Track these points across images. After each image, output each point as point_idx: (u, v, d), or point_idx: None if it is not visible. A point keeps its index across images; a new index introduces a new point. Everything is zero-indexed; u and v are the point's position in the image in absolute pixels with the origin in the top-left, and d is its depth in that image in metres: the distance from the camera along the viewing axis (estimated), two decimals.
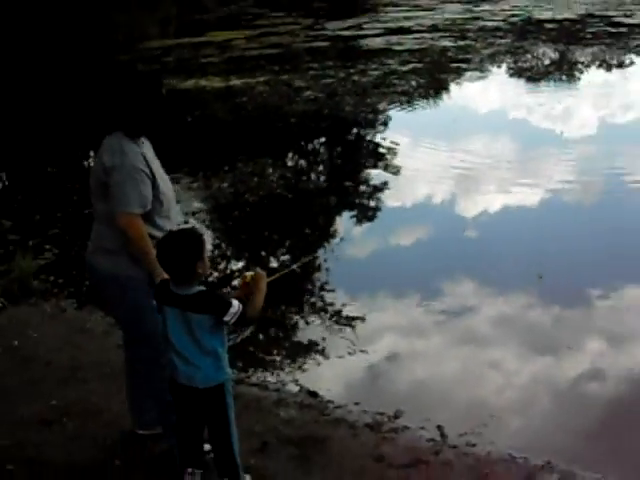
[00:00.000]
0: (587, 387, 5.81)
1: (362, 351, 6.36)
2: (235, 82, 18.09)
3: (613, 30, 25.22)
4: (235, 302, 3.74)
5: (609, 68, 20.10)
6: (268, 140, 13.55)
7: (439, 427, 5.06)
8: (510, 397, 5.72)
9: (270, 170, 11.59)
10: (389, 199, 10.45)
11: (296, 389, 5.73)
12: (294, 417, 5.14)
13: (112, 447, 4.73)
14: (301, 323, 7.05)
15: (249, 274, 3.98)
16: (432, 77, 18.94)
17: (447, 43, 23.51)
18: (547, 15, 30.23)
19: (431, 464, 4.60)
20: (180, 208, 9.87)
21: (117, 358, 5.16)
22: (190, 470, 4.01)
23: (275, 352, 6.53)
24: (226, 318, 3.72)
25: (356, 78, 18.35)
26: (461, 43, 23.54)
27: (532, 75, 19.93)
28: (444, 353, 6.43)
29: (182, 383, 3.86)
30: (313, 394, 5.56)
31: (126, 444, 4.68)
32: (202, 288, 3.81)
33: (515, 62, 21.34)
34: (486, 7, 34.16)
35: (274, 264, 8.25)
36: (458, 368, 6.15)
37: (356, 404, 5.41)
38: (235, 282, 7.53)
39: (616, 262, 7.95)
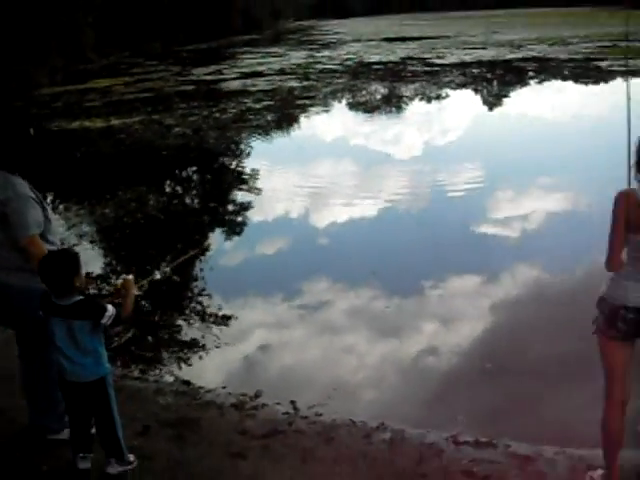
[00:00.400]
0: (424, 362, 5.91)
1: (231, 344, 6.33)
2: (115, 122, 17.83)
3: (428, 69, 26.12)
4: (109, 306, 3.76)
5: (429, 100, 20.76)
6: (144, 171, 13.37)
7: (292, 402, 5.08)
8: (356, 374, 5.78)
9: (146, 196, 11.38)
10: (253, 215, 10.42)
11: (172, 379, 5.69)
12: (170, 403, 5.11)
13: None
14: (179, 323, 6.91)
15: (120, 281, 3.98)
16: (282, 112, 19.10)
17: (294, 84, 23.78)
18: (375, 58, 31.01)
19: (286, 433, 4.65)
20: (71, 231, 9.63)
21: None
22: (82, 455, 3.96)
23: (155, 350, 6.42)
24: (103, 320, 3.72)
25: (218, 115, 18.32)
26: (305, 83, 23.86)
27: (367, 108, 20.37)
28: (303, 342, 6.43)
29: (69, 380, 3.85)
30: (186, 382, 5.53)
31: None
32: (80, 297, 3.79)
33: (352, 97, 21.75)
34: (325, 53, 34.78)
35: (149, 273, 8.04)
36: (314, 353, 6.19)
37: (223, 388, 5.39)
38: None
39: (441, 258, 8.17)
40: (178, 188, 12.77)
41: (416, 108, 19.89)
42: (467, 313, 6.79)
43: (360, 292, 7.39)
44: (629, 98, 4.62)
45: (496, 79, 24.85)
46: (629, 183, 3.60)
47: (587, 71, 24.54)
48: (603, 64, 25.52)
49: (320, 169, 13.07)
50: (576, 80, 23.70)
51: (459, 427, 4.69)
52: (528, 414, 4.92)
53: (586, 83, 22.54)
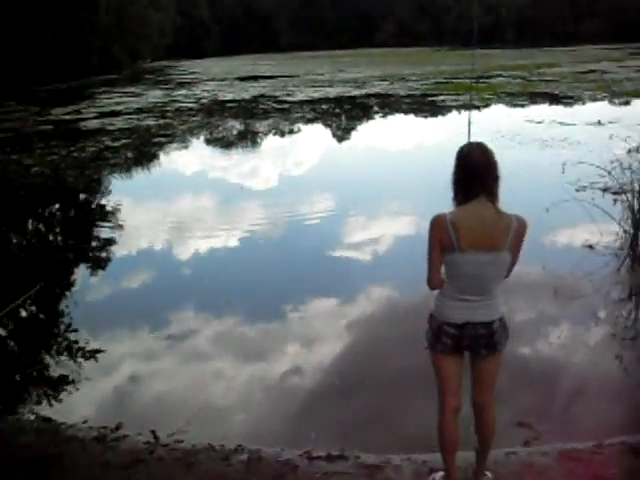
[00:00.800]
0: (284, 382, 5.98)
1: (96, 378, 6.16)
2: None
3: (279, 106, 26.46)
4: None
5: (282, 134, 21.06)
6: (3, 210, 12.77)
7: (153, 431, 5.01)
8: (219, 399, 5.75)
9: (8, 235, 10.90)
10: (116, 250, 10.16)
11: (33, 417, 5.46)
12: (32, 441, 4.92)
13: None
14: (43, 360, 6.65)
15: None
16: (139, 150, 18.84)
17: (151, 122, 23.50)
18: (229, 97, 31.12)
19: (147, 462, 4.61)
20: None
21: None
22: None
23: (16, 388, 6.18)
24: None
25: (76, 154, 17.85)
26: (162, 121, 23.62)
27: (223, 143, 20.40)
28: (168, 371, 6.33)
29: None
30: (48, 419, 5.34)
31: None
32: None
33: (210, 134, 21.72)
34: (182, 92, 34.58)
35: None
36: (179, 381, 6.10)
37: (84, 422, 5.23)
38: None
39: (300, 282, 8.37)
40: (40, 226, 12.31)
41: (270, 142, 20.12)
42: (326, 333, 6.93)
43: (225, 319, 7.39)
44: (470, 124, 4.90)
45: (344, 114, 25.49)
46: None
47: (424, 105, 25.67)
48: (438, 99, 26.78)
49: (181, 203, 12.99)
50: (415, 114, 24.70)
51: (312, 443, 4.80)
52: (377, 426, 5.10)
53: (425, 116, 23.56)
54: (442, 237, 3.65)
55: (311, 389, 5.82)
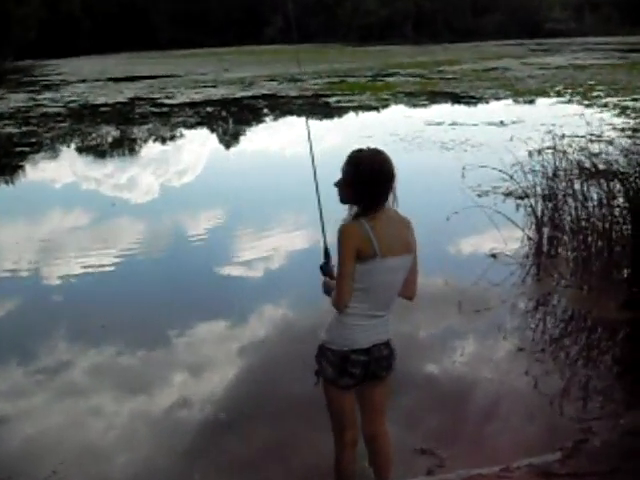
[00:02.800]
0: (175, 415, 5.93)
1: None
2: None
3: (158, 110, 26.20)
4: None
5: (163, 141, 20.89)
6: None
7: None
8: (98, 436, 5.66)
9: None
10: None
11: None
12: None
13: None
14: None
15: None
16: None
17: (12, 129, 22.83)
18: (101, 100, 30.61)
19: None
20: None
21: None
22: None
23: None
24: None
25: None
26: (25, 129, 22.98)
27: (97, 152, 20.04)
28: (40, 409, 6.17)
29: None
30: None
31: None
32: None
33: (81, 141, 21.31)
34: (48, 95, 33.77)
35: None
36: (51, 419, 5.97)
37: None
38: None
39: (186, 304, 8.30)
40: None
41: (149, 150, 19.96)
42: (216, 360, 6.93)
43: (103, 348, 7.26)
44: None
45: (230, 117, 25.58)
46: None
47: (317, 107, 25.97)
48: (332, 100, 27.18)
49: (49, 220, 12.68)
50: (309, 116, 24.88)
51: None
52: (271, 459, 5.14)
53: (320, 118, 23.87)
54: (361, 245, 3.69)
55: (200, 422, 5.78)
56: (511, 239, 9.57)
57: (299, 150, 18.57)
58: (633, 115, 20.56)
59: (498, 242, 9.51)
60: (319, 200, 4.38)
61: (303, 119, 24.31)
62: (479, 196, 11.65)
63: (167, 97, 30.61)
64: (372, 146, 3.93)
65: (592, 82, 30.40)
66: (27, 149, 19.55)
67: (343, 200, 3.88)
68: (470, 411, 5.71)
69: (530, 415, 5.64)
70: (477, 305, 7.78)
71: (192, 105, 27.69)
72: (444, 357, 6.75)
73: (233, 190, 14.41)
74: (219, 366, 6.78)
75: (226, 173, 16.94)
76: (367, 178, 3.74)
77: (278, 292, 8.62)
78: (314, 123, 23.22)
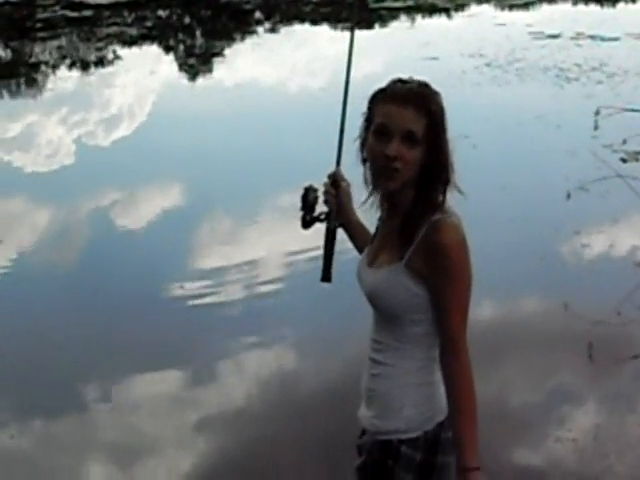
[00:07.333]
0: None
1: None
2: None
3: (75, 14, 26.08)
4: None
5: (84, 67, 20.80)
6: None
7: None
8: None
9: None
10: None
11: None
12: None
13: None
14: None
15: None
16: None
17: None
18: None
19: None
20: None
21: None
22: None
23: None
24: None
25: None
26: None
27: None
28: None
29: None
30: None
31: None
32: None
33: None
34: None
35: None
36: None
37: None
38: None
39: (110, 348, 7.90)
40: None
41: (61, 83, 19.73)
42: (157, 438, 6.61)
43: None
44: None
45: (198, 26, 25.65)
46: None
47: (343, 9, 25.57)
48: None
49: None
50: (322, 23, 25.06)
51: None
52: None
53: (349, 28, 23.28)
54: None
55: None
56: None
57: (310, 84, 18.38)
58: None
59: None
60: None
61: (317, 29, 24.35)
62: (623, 160, 11.28)
63: None
64: (428, 75, 3.48)
65: None
66: None
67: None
68: None
69: None
70: (618, 350, 7.46)
71: (132, 5, 27.53)
72: (555, 442, 6.25)
73: (200, 148, 14.03)
74: (161, 449, 6.48)
75: (189, 120, 16.34)
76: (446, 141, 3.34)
77: (261, 325, 8.21)
78: (338, 37, 22.83)
